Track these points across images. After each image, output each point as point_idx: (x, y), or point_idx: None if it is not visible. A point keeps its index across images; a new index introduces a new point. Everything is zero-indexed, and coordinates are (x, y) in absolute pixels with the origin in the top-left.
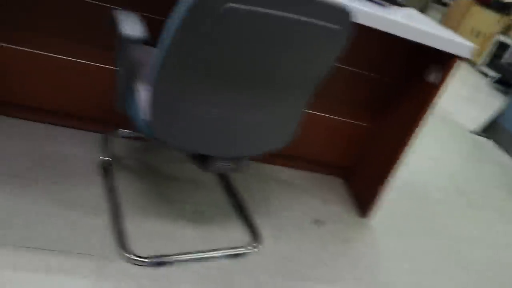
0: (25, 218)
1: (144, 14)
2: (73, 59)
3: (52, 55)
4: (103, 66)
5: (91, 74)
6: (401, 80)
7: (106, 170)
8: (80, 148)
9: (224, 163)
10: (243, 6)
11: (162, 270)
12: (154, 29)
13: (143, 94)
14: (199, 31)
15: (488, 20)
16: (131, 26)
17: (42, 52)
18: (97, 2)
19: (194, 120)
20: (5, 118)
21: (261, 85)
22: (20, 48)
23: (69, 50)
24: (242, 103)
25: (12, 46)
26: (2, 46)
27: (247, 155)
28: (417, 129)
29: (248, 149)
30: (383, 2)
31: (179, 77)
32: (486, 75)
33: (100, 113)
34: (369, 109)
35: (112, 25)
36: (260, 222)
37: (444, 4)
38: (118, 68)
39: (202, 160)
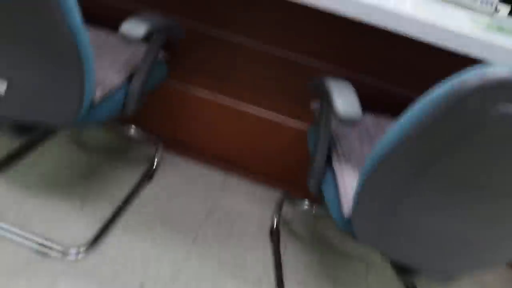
0: (191, 279)
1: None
2: (263, 116)
3: (243, 110)
4: (295, 128)
5: (280, 132)
6: None
7: (275, 235)
8: (254, 205)
9: (431, 277)
10: None
11: None
12: (364, 93)
13: (344, 180)
14: (449, 130)
15: None
16: (345, 102)
17: (233, 106)
18: (300, 61)
19: (408, 229)
20: (188, 161)
21: (501, 197)
22: (211, 98)
23: (260, 105)
24: (473, 217)
25: (204, 97)
26: (194, 95)
27: (462, 272)
28: None
29: (465, 266)
30: None
31: (402, 176)
32: None
33: (281, 171)
34: None
35: (316, 90)
36: None
37: None
38: (315, 141)
39: (404, 267)
